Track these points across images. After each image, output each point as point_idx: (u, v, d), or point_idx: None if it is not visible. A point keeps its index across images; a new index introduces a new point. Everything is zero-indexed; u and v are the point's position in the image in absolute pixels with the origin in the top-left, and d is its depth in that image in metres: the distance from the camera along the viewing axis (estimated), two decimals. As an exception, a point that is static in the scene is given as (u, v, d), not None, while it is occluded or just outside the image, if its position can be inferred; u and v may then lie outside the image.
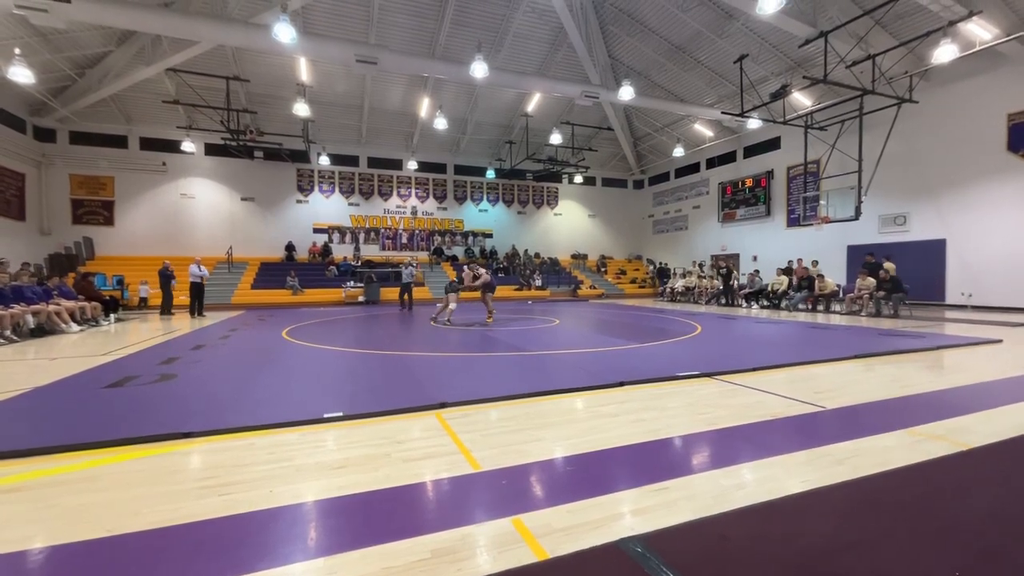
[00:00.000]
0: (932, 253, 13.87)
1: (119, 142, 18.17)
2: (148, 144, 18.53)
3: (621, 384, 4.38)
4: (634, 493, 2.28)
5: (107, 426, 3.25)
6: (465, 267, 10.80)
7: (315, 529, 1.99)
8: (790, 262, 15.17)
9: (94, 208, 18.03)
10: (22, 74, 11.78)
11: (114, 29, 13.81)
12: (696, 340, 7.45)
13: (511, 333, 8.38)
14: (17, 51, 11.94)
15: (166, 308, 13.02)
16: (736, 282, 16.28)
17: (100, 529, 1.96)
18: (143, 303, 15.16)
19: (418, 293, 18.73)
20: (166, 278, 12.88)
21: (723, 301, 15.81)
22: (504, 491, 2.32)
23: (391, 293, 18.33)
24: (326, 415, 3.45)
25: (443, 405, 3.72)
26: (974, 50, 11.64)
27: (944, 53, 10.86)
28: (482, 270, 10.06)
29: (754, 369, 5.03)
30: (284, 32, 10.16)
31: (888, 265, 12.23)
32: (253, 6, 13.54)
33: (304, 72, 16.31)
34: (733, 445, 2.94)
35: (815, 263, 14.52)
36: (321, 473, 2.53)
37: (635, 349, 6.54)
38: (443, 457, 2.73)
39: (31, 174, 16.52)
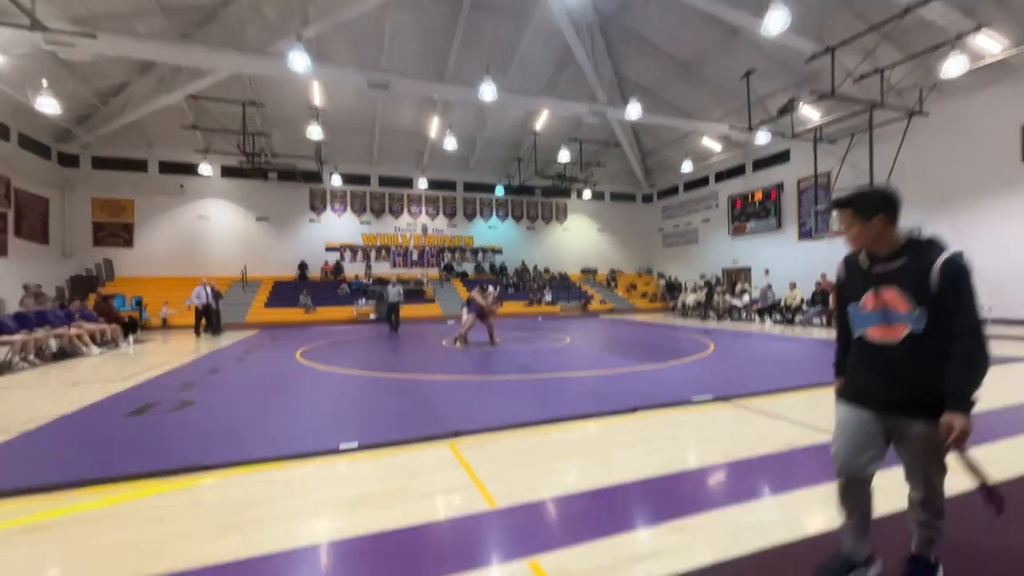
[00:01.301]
0: (949, 265, 13.62)
1: (139, 166, 18.71)
2: (167, 168, 19.05)
3: (635, 410, 4.36)
4: (652, 532, 2.27)
5: (131, 458, 3.32)
6: (473, 293, 10.02)
7: (333, 571, 2.01)
8: (820, 279, 14.56)
9: (114, 230, 18.51)
10: (49, 104, 12.24)
11: (136, 59, 14.32)
12: (709, 360, 7.38)
13: (522, 354, 8.38)
14: (44, 82, 12.44)
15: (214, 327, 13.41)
16: (722, 297, 16.42)
17: (126, 571, 2.00)
18: (164, 323, 15.45)
19: (428, 310, 18.86)
20: (214, 297, 13.20)
21: (706, 314, 16.47)
22: (520, 530, 2.32)
23: (402, 311, 18.39)
24: (342, 446, 3.49)
25: (456, 434, 3.73)
26: (983, 63, 11.59)
27: (953, 66, 10.84)
28: (489, 288, 9.94)
29: (769, 392, 4.98)
30: (299, 61, 10.46)
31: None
32: (269, 35, 13.97)
33: (317, 96, 16.73)
34: (750, 478, 2.91)
35: (823, 276, 14.26)
36: (339, 510, 2.56)
37: (648, 371, 6.50)
38: (458, 492, 2.75)
39: (55, 198, 17.04)
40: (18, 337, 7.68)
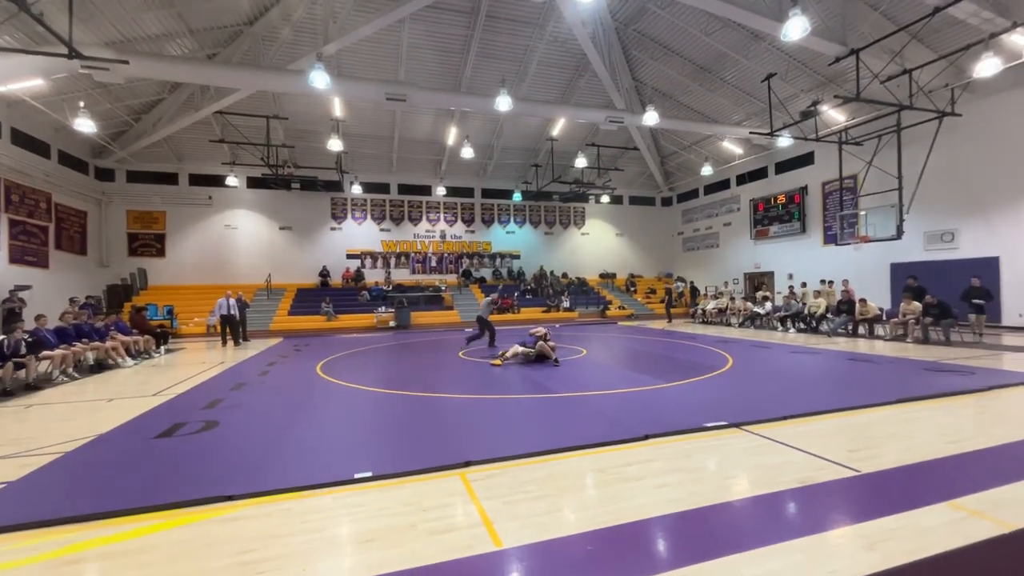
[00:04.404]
0: (984, 271, 13.07)
1: (170, 179, 19.47)
2: (196, 180, 19.78)
3: (646, 437, 4.35)
4: (653, 582, 2.28)
5: (156, 487, 3.49)
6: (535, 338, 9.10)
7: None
8: (844, 285, 13.90)
9: (148, 241, 19.31)
10: (86, 124, 12.86)
11: (166, 80, 14.91)
12: (726, 377, 7.28)
13: (537, 369, 8.40)
14: (82, 104, 13.08)
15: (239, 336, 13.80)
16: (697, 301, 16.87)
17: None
18: (212, 330, 15.80)
19: (446, 317, 19.05)
20: (240, 307, 13.65)
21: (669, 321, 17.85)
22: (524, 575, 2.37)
23: (421, 318, 18.72)
24: (357, 475, 3.59)
25: (467, 464, 3.79)
26: (1020, 61, 11.09)
27: (987, 67, 10.40)
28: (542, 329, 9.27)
29: (784, 418, 4.89)
30: (319, 79, 10.75)
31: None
32: (291, 53, 14.37)
33: (338, 108, 17.11)
34: (756, 522, 2.88)
35: (845, 282, 13.81)
36: (351, 547, 2.65)
37: (661, 390, 6.45)
38: (466, 530, 2.81)
39: (92, 211, 17.87)
40: (58, 352, 8.10)
